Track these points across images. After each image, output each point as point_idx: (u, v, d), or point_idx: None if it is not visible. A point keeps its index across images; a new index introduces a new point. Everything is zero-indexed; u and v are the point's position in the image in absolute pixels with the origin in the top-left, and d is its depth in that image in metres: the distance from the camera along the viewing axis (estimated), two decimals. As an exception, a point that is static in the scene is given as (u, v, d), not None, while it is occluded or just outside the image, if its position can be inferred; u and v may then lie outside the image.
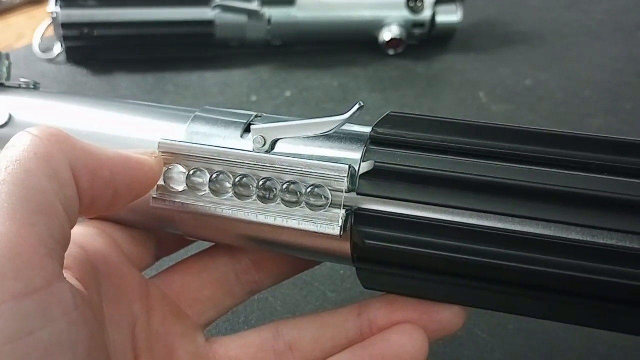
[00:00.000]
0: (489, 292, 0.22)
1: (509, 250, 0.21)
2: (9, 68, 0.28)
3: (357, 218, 0.22)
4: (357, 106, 0.22)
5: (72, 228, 0.20)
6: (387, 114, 0.23)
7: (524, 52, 0.67)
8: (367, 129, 0.24)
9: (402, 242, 0.21)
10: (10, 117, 0.26)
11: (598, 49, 0.68)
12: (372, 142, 0.23)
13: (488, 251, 0.21)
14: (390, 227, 0.22)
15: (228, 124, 0.25)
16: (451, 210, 0.21)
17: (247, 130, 0.24)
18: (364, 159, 0.22)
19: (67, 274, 0.20)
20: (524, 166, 0.21)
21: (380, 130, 0.23)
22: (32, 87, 0.28)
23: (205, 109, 0.26)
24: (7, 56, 0.28)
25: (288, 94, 0.58)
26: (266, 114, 0.26)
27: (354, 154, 0.23)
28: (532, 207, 0.21)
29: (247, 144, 0.24)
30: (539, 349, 0.34)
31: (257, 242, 0.24)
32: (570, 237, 0.20)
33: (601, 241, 0.20)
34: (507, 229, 0.21)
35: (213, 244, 0.27)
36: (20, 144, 0.19)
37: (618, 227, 0.20)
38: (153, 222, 0.26)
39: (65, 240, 0.19)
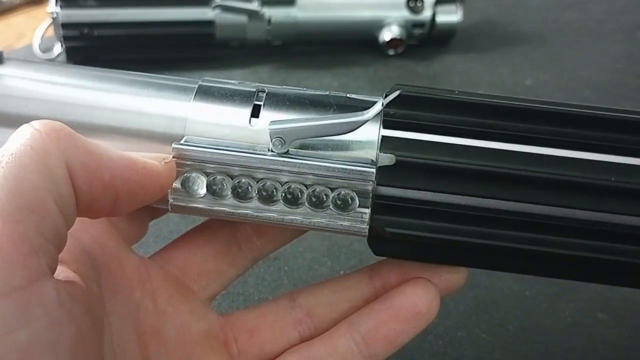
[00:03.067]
0: (499, 260, 0.23)
1: (522, 232, 0.22)
2: None
3: (376, 207, 0.22)
4: (379, 106, 0.22)
5: (69, 227, 0.19)
6: (399, 94, 0.23)
7: (524, 52, 0.67)
8: (377, 102, 0.23)
9: (421, 228, 0.22)
10: None
11: (598, 49, 0.68)
12: (385, 125, 0.23)
13: (500, 234, 0.22)
14: (409, 214, 0.22)
15: (234, 100, 0.24)
16: (467, 197, 0.22)
17: (254, 115, 0.23)
18: (381, 148, 0.22)
19: (62, 268, 0.19)
20: (533, 146, 0.22)
21: (392, 111, 0.23)
22: None
23: (205, 79, 0.25)
24: None
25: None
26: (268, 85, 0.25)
27: (369, 136, 0.23)
28: (543, 195, 0.22)
29: (258, 135, 0.23)
30: (538, 349, 0.34)
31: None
32: (576, 217, 0.22)
33: (607, 221, 0.22)
34: (521, 212, 0.22)
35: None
36: (19, 138, 0.19)
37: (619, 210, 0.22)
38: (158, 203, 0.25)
39: (59, 239, 0.18)
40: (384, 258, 0.26)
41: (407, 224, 0.22)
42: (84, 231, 0.23)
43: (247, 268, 0.27)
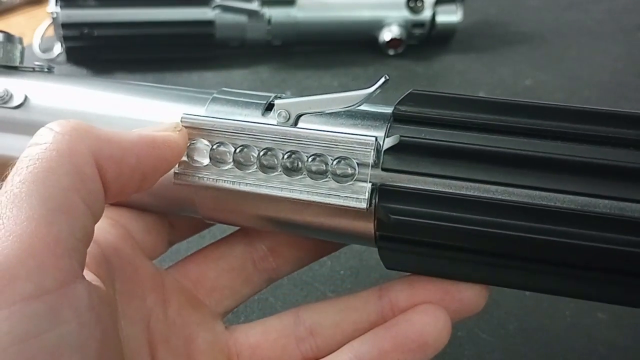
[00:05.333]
0: (513, 268, 0.22)
1: (537, 223, 0.20)
2: (22, 52, 0.29)
3: (381, 194, 0.22)
4: (382, 79, 0.22)
5: (97, 222, 0.19)
6: (410, 92, 0.23)
7: (524, 52, 0.67)
8: (389, 109, 0.24)
9: (427, 216, 0.21)
10: (26, 98, 0.26)
11: (598, 49, 0.68)
12: (395, 120, 0.23)
13: (514, 224, 0.21)
14: (415, 202, 0.22)
15: (248, 104, 0.24)
16: (477, 184, 0.21)
17: (267, 109, 0.24)
18: (388, 134, 0.22)
19: (85, 271, 0.20)
20: (549, 141, 0.21)
21: (402, 108, 0.23)
22: (46, 70, 0.29)
23: (222, 90, 0.26)
24: (20, 40, 0.29)
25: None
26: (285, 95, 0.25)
27: (378, 131, 0.23)
28: (560, 180, 0.20)
29: (269, 121, 0.23)
30: (539, 349, 0.34)
31: (278, 222, 0.24)
32: (597, 209, 0.20)
33: (629, 213, 0.20)
34: (534, 203, 0.21)
35: (228, 233, 0.27)
36: (42, 142, 0.19)
37: None
38: (170, 205, 0.26)
39: (87, 237, 0.19)
40: (394, 279, 0.25)
41: (412, 212, 0.21)
42: (100, 236, 0.23)
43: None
